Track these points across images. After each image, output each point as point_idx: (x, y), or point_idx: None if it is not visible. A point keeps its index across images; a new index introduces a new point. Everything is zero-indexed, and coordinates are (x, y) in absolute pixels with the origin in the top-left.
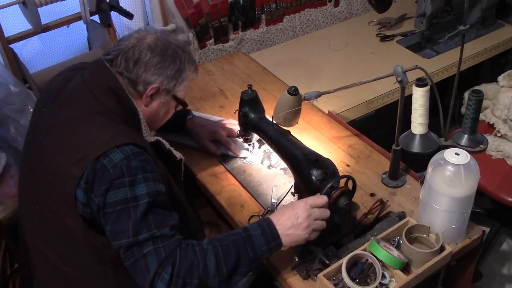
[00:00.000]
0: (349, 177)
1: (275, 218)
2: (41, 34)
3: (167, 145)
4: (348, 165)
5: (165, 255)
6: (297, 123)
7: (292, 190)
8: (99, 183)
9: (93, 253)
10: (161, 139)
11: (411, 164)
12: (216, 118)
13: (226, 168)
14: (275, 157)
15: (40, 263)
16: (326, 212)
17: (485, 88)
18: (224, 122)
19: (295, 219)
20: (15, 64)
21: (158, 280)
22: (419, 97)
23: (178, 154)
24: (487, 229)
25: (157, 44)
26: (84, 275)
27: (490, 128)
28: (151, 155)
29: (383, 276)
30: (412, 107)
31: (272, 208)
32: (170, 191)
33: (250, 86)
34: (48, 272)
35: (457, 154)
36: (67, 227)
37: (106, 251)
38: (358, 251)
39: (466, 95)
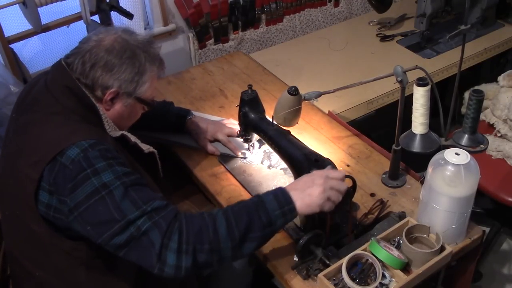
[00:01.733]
0: (349, 177)
1: (290, 185)
2: (41, 34)
3: (133, 138)
4: (348, 165)
5: (167, 224)
6: (297, 123)
7: None
8: (63, 182)
9: (62, 257)
10: (126, 133)
11: (411, 164)
12: (215, 118)
13: (226, 168)
14: (275, 157)
15: (14, 268)
16: (343, 185)
17: (485, 88)
18: (224, 122)
19: (311, 183)
20: (15, 64)
21: (166, 251)
22: (420, 97)
23: (146, 147)
24: (487, 229)
25: (115, 46)
26: (57, 278)
27: (490, 128)
28: (113, 146)
29: (383, 276)
30: (413, 107)
31: None
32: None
33: (250, 86)
34: (23, 277)
35: (457, 154)
36: (33, 232)
37: (74, 254)
38: (358, 251)
39: (467, 95)
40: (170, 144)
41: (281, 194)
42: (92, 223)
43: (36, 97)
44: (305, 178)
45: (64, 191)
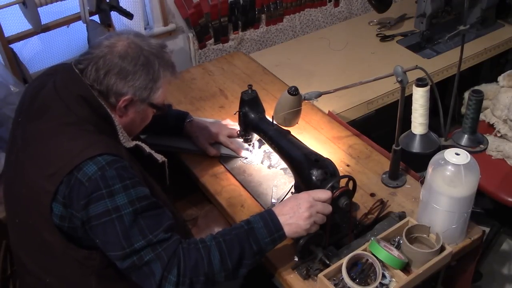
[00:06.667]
0: (349, 177)
1: (277, 209)
2: (41, 34)
3: (147, 148)
4: (348, 165)
5: (168, 258)
6: (297, 123)
7: (292, 190)
8: (77, 198)
9: (75, 265)
10: (140, 143)
11: (411, 164)
12: (210, 120)
13: (226, 168)
14: (275, 157)
15: (23, 274)
16: (328, 208)
17: (485, 88)
18: (223, 123)
19: (297, 208)
20: (15, 64)
21: (165, 283)
22: (419, 97)
23: (159, 157)
24: (487, 229)
25: (128, 52)
26: (68, 286)
27: (490, 128)
28: (128, 161)
29: (383, 276)
30: (412, 107)
31: None
32: (153, 196)
33: (250, 86)
34: (32, 283)
35: (457, 154)
36: (45, 241)
37: (88, 263)
38: (358, 251)
39: (466, 95)
40: (170, 150)
41: (270, 221)
42: (100, 239)
43: (46, 104)
44: (291, 202)
45: (77, 206)
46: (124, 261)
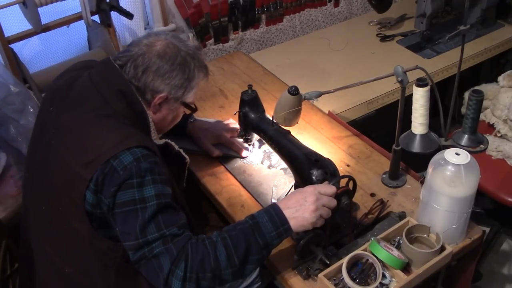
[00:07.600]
0: (349, 177)
1: (282, 203)
2: (41, 34)
3: (176, 147)
4: (348, 165)
5: (177, 252)
6: (297, 123)
7: (293, 190)
8: (108, 184)
9: (98, 256)
10: (169, 141)
11: (411, 164)
12: (212, 120)
13: (226, 168)
14: (275, 157)
15: (42, 263)
16: (334, 202)
17: (485, 88)
18: (226, 122)
19: (303, 201)
20: (15, 64)
21: (172, 278)
22: (420, 97)
23: (187, 157)
24: (487, 229)
25: (167, 51)
26: (86, 277)
27: (490, 128)
28: (159, 158)
29: (384, 276)
30: (413, 107)
31: None
32: (173, 196)
33: (250, 86)
34: (50, 272)
35: (457, 154)
36: (73, 229)
37: (111, 255)
38: (358, 251)
39: (466, 95)
40: None
41: (275, 215)
42: (119, 228)
43: (82, 95)
44: (297, 195)
45: (107, 193)
46: (136, 252)
